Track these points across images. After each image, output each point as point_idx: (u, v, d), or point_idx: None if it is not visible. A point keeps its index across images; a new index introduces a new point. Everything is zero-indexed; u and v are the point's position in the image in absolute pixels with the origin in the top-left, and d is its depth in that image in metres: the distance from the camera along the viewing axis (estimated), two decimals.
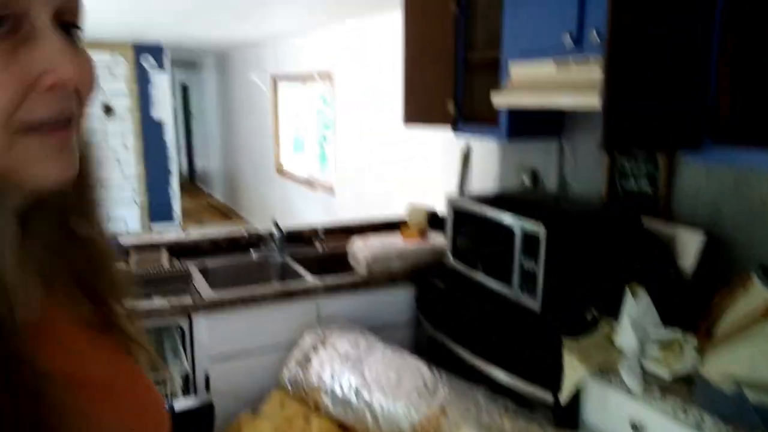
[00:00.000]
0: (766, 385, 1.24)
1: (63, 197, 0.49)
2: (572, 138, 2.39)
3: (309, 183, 5.59)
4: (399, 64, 2.74)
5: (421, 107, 2.66)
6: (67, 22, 0.42)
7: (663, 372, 1.52)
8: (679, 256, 1.88)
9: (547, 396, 1.73)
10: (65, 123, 0.42)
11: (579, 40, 1.87)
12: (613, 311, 1.79)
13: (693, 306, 1.86)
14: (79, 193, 0.50)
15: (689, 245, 1.87)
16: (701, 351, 1.50)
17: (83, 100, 0.44)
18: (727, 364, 1.33)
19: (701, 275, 1.84)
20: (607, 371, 1.59)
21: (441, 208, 2.91)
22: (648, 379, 1.51)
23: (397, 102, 2.76)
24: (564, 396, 1.65)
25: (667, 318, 1.68)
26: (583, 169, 2.36)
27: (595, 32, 1.79)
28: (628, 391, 1.52)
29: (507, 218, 1.96)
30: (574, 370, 1.64)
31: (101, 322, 0.53)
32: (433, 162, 3.41)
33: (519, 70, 2.14)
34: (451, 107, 2.51)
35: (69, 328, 0.51)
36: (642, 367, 1.55)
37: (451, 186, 3.11)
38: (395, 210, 3.36)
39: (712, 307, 1.56)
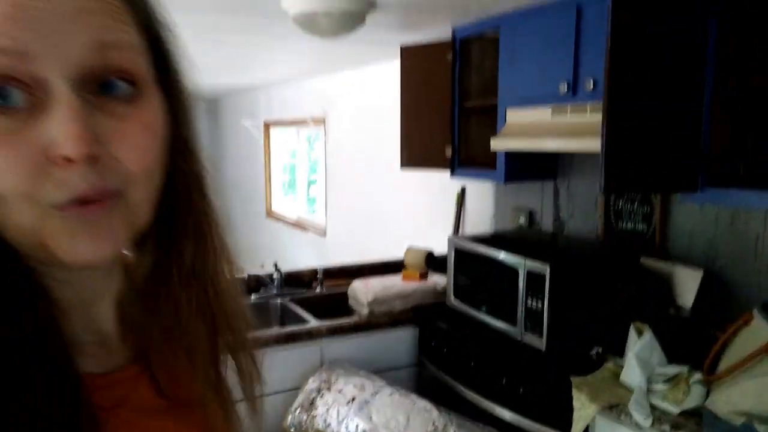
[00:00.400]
0: None
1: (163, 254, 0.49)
2: (567, 179, 2.48)
3: (299, 224, 5.62)
4: (393, 110, 2.83)
5: (418, 152, 2.74)
6: (115, 77, 0.38)
7: (671, 407, 1.55)
8: (678, 293, 1.94)
9: None
10: (101, 199, 0.38)
11: (575, 89, 1.97)
12: (616, 348, 1.84)
13: (694, 342, 1.91)
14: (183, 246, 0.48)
15: (688, 282, 1.93)
16: (707, 385, 1.54)
17: (131, 166, 0.39)
18: (734, 398, 1.37)
19: (700, 312, 1.90)
20: (615, 408, 1.62)
21: (437, 250, 2.95)
22: (656, 414, 1.54)
23: (391, 146, 2.84)
24: None
25: (670, 354, 1.73)
26: (579, 210, 2.43)
27: (590, 80, 1.90)
28: (638, 426, 1.54)
29: (511, 257, 2.01)
30: (583, 408, 1.66)
31: (198, 393, 0.51)
32: (427, 205, 3.47)
33: (515, 117, 2.24)
34: (448, 152, 2.59)
35: (153, 391, 0.49)
36: (650, 404, 1.59)
37: (446, 228, 3.17)
38: (389, 252, 3.39)
39: (714, 343, 1.61)
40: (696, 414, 1.50)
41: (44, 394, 0.37)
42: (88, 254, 0.39)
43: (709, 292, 1.91)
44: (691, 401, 1.53)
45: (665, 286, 1.97)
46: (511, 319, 2.02)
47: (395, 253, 3.12)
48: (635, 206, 2.19)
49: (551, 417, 1.78)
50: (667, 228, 2.09)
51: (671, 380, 1.64)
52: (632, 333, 1.79)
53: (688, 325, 1.88)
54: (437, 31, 2.57)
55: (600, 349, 1.87)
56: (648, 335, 1.74)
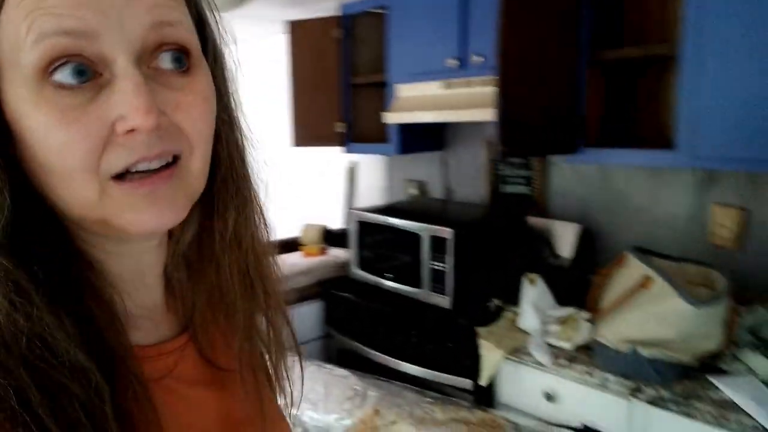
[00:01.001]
0: (654, 342, 1.51)
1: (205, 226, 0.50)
2: (454, 150, 2.64)
3: None
4: (281, 87, 2.80)
5: (309, 129, 2.75)
6: (170, 49, 0.40)
7: (565, 344, 1.76)
8: (560, 245, 2.17)
9: (466, 383, 1.90)
10: (160, 170, 0.40)
11: (463, 64, 2.10)
12: (513, 299, 2.03)
13: (576, 286, 2.16)
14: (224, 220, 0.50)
15: (567, 235, 2.17)
16: (594, 321, 1.76)
17: (190, 134, 0.41)
18: (620, 329, 1.59)
19: (579, 260, 2.15)
20: (517, 351, 1.80)
21: (333, 225, 3.00)
22: (554, 352, 1.74)
23: (280, 124, 2.82)
24: (484, 379, 1.83)
25: (559, 299, 1.94)
26: (466, 178, 2.61)
27: (478, 56, 2.04)
28: (539, 365, 1.73)
29: (414, 225, 2.12)
30: (491, 355, 1.82)
31: (237, 359, 0.53)
32: (316, 181, 3.49)
33: (407, 91, 2.33)
34: (340, 128, 2.63)
35: (198, 360, 0.51)
36: (547, 343, 1.78)
37: (337, 203, 3.22)
38: (283, 231, 3.38)
39: (593, 286, 1.83)
40: (587, 347, 1.72)
41: (97, 367, 0.37)
42: (152, 223, 0.40)
43: (585, 242, 2.17)
44: (582, 337, 1.75)
45: (548, 240, 2.20)
46: (416, 283, 2.13)
47: (290, 232, 3.12)
48: (517, 171, 2.40)
49: (461, 368, 1.92)
50: (546, 189, 2.32)
51: (563, 321, 1.85)
52: (525, 283, 1.98)
53: (570, 272, 2.12)
54: (325, 7, 2.58)
55: (499, 301, 2.05)
56: (539, 284, 1.94)
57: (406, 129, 2.46)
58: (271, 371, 0.58)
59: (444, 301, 2.05)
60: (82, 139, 0.37)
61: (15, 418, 0.34)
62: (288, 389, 0.59)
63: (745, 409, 1.34)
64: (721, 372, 1.52)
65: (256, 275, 0.53)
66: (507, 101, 1.72)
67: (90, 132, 0.37)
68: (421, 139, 2.58)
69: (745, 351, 1.54)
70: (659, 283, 1.55)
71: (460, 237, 2.00)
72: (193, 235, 0.51)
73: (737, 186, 1.83)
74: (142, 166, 0.39)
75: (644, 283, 1.59)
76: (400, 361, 2.10)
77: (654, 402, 1.47)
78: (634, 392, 1.51)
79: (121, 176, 0.39)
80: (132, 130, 0.37)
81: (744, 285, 1.74)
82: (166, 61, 0.40)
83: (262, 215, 0.54)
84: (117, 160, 0.38)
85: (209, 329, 0.53)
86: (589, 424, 1.63)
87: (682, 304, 1.46)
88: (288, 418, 0.60)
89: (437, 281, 2.06)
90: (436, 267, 2.05)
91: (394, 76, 2.38)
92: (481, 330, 1.89)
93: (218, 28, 0.48)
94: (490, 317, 1.99)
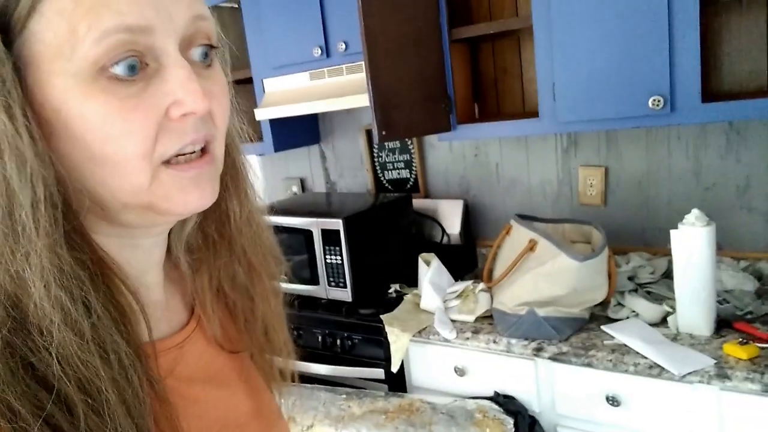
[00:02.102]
0: (548, 301, 1.59)
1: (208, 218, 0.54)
2: (331, 142, 2.60)
3: None
4: None
5: None
6: (201, 44, 0.43)
7: (467, 317, 1.80)
8: (447, 224, 2.23)
9: (378, 373, 1.89)
10: (201, 152, 0.43)
11: (328, 52, 2.07)
12: (411, 282, 2.04)
13: (467, 260, 2.22)
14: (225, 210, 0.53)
15: (452, 213, 2.23)
16: (490, 291, 1.82)
17: (217, 121, 0.45)
18: (515, 294, 1.66)
19: (466, 235, 2.21)
20: (423, 331, 1.81)
21: None
22: (457, 327, 1.78)
23: None
24: (395, 365, 1.83)
25: (454, 274, 1.99)
26: (347, 169, 2.58)
27: (342, 43, 2.01)
28: (446, 341, 1.76)
29: (303, 221, 2.06)
30: (398, 339, 1.82)
31: (242, 341, 0.57)
32: None
33: (274, 85, 2.26)
34: None
35: (200, 352, 0.53)
36: (450, 319, 1.82)
37: None
38: None
39: (484, 257, 1.90)
40: (488, 317, 1.77)
41: (110, 365, 0.38)
42: (198, 203, 0.44)
43: (470, 217, 2.24)
44: (482, 308, 1.80)
45: (436, 219, 2.24)
46: (314, 280, 2.08)
47: None
48: (397, 156, 2.42)
49: (371, 359, 1.91)
50: (426, 170, 2.36)
51: (461, 295, 1.90)
52: (421, 264, 2.00)
53: (461, 248, 2.18)
54: None
55: (398, 286, 2.06)
56: (435, 262, 1.97)
57: (279, 125, 2.38)
58: (277, 345, 0.61)
59: (344, 294, 2.02)
60: (141, 126, 0.39)
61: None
62: (282, 384, 0.63)
63: (637, 350, 1.45)
64: (610, 320, 1.64)
65: (259, 261, 0.57)
66: (378, 85, 1.71)
67: (148, 119, 0.39)
68: (296, 134, 2.51)
69: (627, 296, 1.68)
70: (544, 245, 1.63)
71: (351, 227, 1.98)
72: (198, 218, 0.54)
73: (597, 147, 1.97)
74: (188, 149, 0.42)
75: (531, 247, 1.67)
76: (308, 363, 2.03)
77: (556, 358, 1.55)
78: (537, 352, 1.58)
79: (167, 161, 0.41)
80: (185, 115, 0.40)
81: (615, 236, 1.89)
82: (196, 54, 0.43)
83: (256, 197, 0.57)
84: (171, 144, 0.41)
85: (219, 309, 0.56)
86: (501, 391, 1.69)
87: (567, 261, 1.54)
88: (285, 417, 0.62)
89: (334, 275, 2.02)
90: (331, 261, 2.01)
91: (259, 71, 2.29)
92: (384, 317, 1.88)
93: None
94: (392, 303, 1.99)
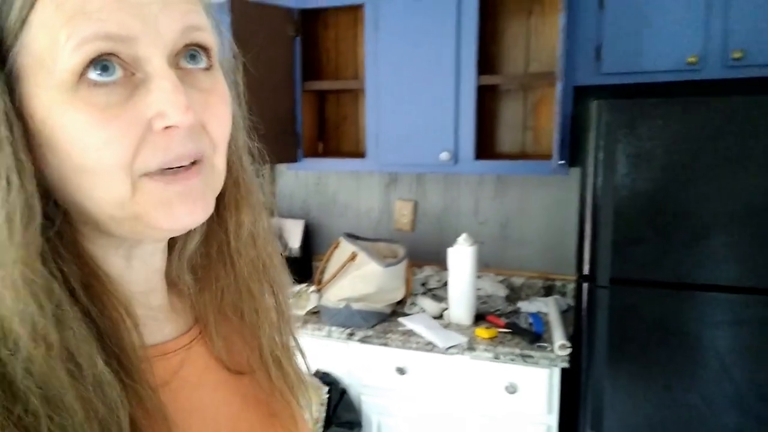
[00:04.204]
0: (360, 297, 2.08)
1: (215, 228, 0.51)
2: None
3: None
4: None
5: None
6: (194, 49, 0.41)
7: (299, 312, 2.23)
8: (290, 239, 2.66)
9: None
10: (189, 166, 0.41)
11: None
12: None
13: (305, 269, 2.66)
14: (233, 223, 0.51)
15: (294, 231, 2.67)
16: (318, 291, 2.27)
17: (213, 134, 0.42)
18: (337, 292, 2.13)
19: (305, 249, 2.66)
20: None
21: None
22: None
23: None
24: None
25: (293, 280, 2.41)
26: None
27: None
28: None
29: None
30: None
31: (249, 363, 0.54)
32: None
33: None
34: None
35: (206, 362, 0.51)
36: None
37: None
38: None
39: (316, 267, 2.35)
40: (316, 312, 2.22)
41: (115, 378, 0.39)
42: (186, 219, 0.41)
43: (308, 234, 2.70)
44: (311, 304, 2.25)
45: (281, 235, 2.66)
46: None
47: None
48: None
49: None
50: (276, 193, 2.79)
51: (296, 295, 2.33)
52: None
53: (299, 259, 2.62)
54: None
55: None
56: None
57: None
58: (286, 371, 0.57)
59: None
60: (121, 136, 0.37)
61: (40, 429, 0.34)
62: (302, 389, 0.59)
63: (421, 334, 1.99)
64: (405, 314, 2.17)
65: (269, 273, 0.55)
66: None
67: (129, 129, 0.38)
68: None
69: (419, 297, 2.23)
70: (361, 256, 2.13)
71: None
72: (201, 237, 0.52)
73: (410, 184, 2.55)
74: (173, 164, 0.40)
75: (352, 257, 2.16)
76: None
77: (363, 340, 2.04)
78: (350, 336, 2.05)
79: (149, 174, 0.39)
80: (168, 128, 0.38)
81: (417, 254, 2.46)
82: (192, 59, 0.41)
83: (263, 213, 0.55)
84: (153, 158, 0.39)
85: (223, 330, 0.53)
86: (321, 369, 2.13)
87: (375, 267, 2.06)
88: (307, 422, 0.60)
89: None
90: None
91: None
92: None
93: (221, 35, 0.49)
94: None
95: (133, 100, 0.38)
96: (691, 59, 1.83)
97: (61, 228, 0.40)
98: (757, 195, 1.54)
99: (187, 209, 0.41)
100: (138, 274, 0.47)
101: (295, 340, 0.62)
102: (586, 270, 1.72)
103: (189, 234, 0.51)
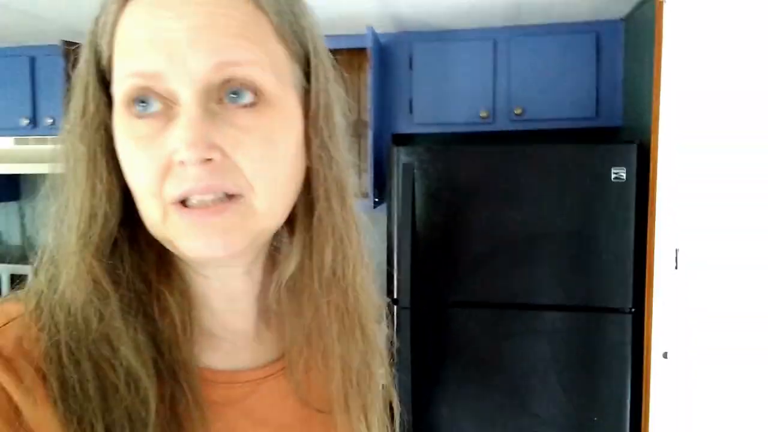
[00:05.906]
0: None
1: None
2: (32, 200, 2.86)
3: None
4: None
5: None
6: (235, 85, 0.41)
7: None
8: None
9: None
10: (218, 202, 0.41)
11: (35, 123, 2.44)
12: None
13: None
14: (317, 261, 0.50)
15: None
16: None
17: (246, 171, 0.41)
18: None
19: None
20: None
21: None
22: None
23: None
24: None
25: None
26: (46, 227, 2.84)
27: (49, 118, 2.41)
28: None
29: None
30: None
31: (334, 402, 0.53)
32: None
33: None
34: None
35: (278, 401, 0.51)
36: None
37: None
38: None
39: None
40: None
41: (155, 378, 0.41)
42: (204, 250, 0.42)
43: None
44: None
45: None
46: None
47: None
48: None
49: None
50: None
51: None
52: None
53: None
54: None
55: None
56: None
57: None
58: (368, 417, 0.56)
59: None
60: (148, 165, 0.41)
61: (69, 405, 0.38)
62: None
63: None
64: None
65: (355, 316, 0.53)
66: None
67: (153, 160, 0.40)
68: None
69: None
70: None
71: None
72: (295, 269, 0.51)
73: None
74: (195, 199, 0.41)
75: None
76: None
77: None
78: None
79: (183, 202, 0.41)
80: (182, 162, 0.40)
81: None
82: (230, 96, 0.41)
83: (362, 254, 0.53)
84: (173, 189, 0.41)
85: (308, 367, 0.53)
86: None
87: None
88: None
89: None
90: None
91: None
92: None
93: (326, 63, 0.48)
94: None
95: (164, 133, 0.40)
96: (483, 114, 2.16)
97: (142, 237, 0.44)
98: (527, 225, 1.84)
99: (204, 242, 0.41)
100: (218, 294, 0.49)
101: (386, 382, 0.61)
102: (395, 294, 1.93)
103: (285, 262, 0.51)
